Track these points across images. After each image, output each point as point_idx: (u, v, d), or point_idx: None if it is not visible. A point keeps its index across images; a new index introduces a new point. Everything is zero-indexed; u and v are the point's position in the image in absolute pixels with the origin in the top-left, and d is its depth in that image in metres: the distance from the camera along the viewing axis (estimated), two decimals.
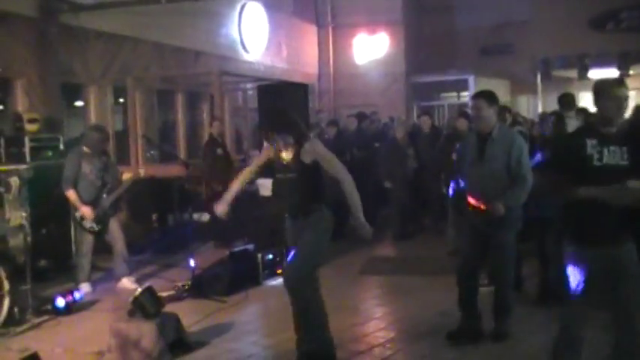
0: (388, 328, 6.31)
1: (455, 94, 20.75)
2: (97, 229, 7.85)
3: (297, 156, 5.15)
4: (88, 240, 7.92)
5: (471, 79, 19.05)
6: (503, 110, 9.28)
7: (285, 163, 5.25)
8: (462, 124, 9.18)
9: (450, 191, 8.19)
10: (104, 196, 7.91)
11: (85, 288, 7.76)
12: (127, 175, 8.15)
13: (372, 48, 19.70)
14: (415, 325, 6.26)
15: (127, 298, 6.08)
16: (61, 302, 6.90)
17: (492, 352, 5.46)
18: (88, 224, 7.81)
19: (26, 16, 9.33)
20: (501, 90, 20.30)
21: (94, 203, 7.81)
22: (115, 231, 7.99)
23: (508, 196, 5.41)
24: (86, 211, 7.72)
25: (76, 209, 7.82)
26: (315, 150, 5.16)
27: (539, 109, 17.62)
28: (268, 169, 5.68)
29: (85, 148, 7.96)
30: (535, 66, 19.44)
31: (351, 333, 6.12)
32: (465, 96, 19.62)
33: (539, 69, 19.50)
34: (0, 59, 8.87)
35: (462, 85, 19.65)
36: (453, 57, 19.71)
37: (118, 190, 8.02)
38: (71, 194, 7.74)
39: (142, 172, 8.23)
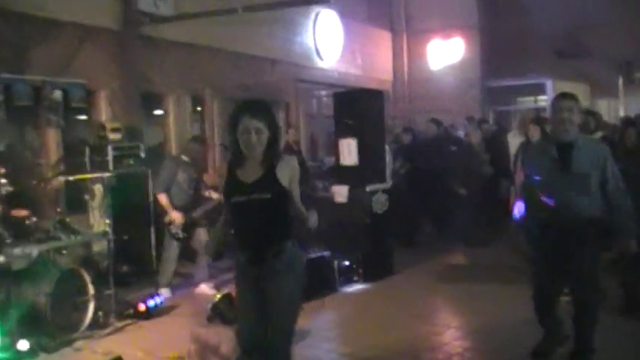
0: (466, 337, 6.23)
1: (532, 98, 20.35)
2: (180, 236, 8.00)
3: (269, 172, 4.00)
4: (174, 246, 8.09)
5: (549, 82, 18.64)
6: (587, 114, 8.90)
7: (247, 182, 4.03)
8: (535, 131, 8.53)
9: (516, 213, 5.94)
10: (192, 206, 8.08)
11: (165, 293, 7.94)
12: (214, 194, 8.22)
13: (446, 53, 19.50)
14: (494, 334, 6.15)
15: (206, 304, 6.20)
16: (142, 307, 7.08)
17: None
18: (173, 230, 7.97)
19: (109, 29, 9.61)
20: (580, 94, 19.66)
21: (183, 211, 7.98)
22: (203, 239, 8.11)
23: (622, 215, 4.91)
24: (176, 216, 7.90)
25: (165, 213, 8.01)
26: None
27: (621, 113, 17.09)
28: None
29: (184, 157, 8.26)
30: (616, 69, 18.87)
31: (428, 342, 6.06)
32: (543, 100, 19.23)
33: (620, 72, 18.92)
34: (85, 71, 9.15)
35: (539, 89, 19.25)
36: (528, 60, 19.30)
37: (207, 204, 8.17)
38: (162, 197, 7.96)
39: None
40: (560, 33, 18.78)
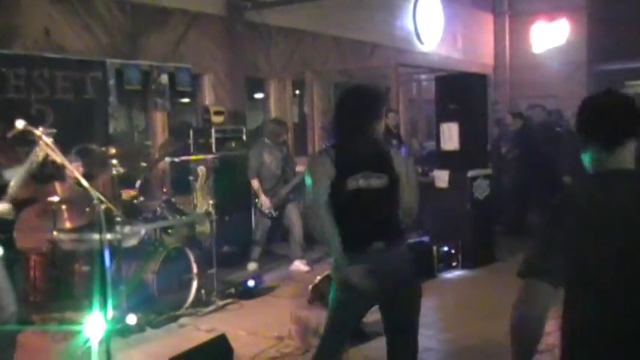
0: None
1: None
2: (274, 214, 8.40)
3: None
4: (265, 223, 8.49)
5: None
6: None
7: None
8: None
9: None
10: (283, 185, 8.38)
11: (251, 267, 8.35)
12: (300, 168, 8.50)
13: (551, 36, 18.89)
14: None
15: (306, 285, 6.27)
16: (248, 285, 7.25)
17: None
18: (266, 210, 8.36)
19: (215, 15, 9.82)
20: None
21: (273, 191, 8.33)
22: (294, 216, 8.42)
23: None
24: (265, 201, 8.29)
25: (257, 197, 8.40)
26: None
27: None
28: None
29: (266, 140, 8.51)
30: None
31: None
32: None
33: None
34: (192, 56, 9.39)
35: None
36: (639, 43, 18.51)
37: (294, 180, 8.37)
38: (255, 183, 8.36)
39: None
40: None
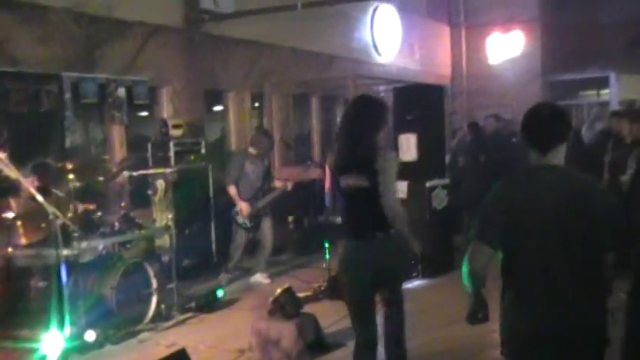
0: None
1: (595, 92, 19.90)
2: (248, 225, 8.32)
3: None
4: (241, 234, 8.40)
5: (612, 75, 18.21)
6: None
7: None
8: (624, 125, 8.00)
9: None
10: (260, 195, 8.36)
11: (224, 278, 8.30)
12: (278, 184, 8.50)
13: (506, 47, 19.20)
14: None
15: (266, 297, 6.26)
16: (203, 300, 7.21)
17: None
18: (240, 219, 8.28)
19: (173, 27, 9.77)
20: None
21: (250, 202, 8.26)
22: (267, 230, 8.44)
23: None
24: (244, 206, 8.19)
25: (234, 204, 8.31)
26: None
27: None
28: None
29: (251, 150, 8.44)
30: None
31: (490, 339, 6.01)
32: (606, 94, 18.81)
33: None
34: (150, 68, 9.33)
35: (602, 83, 18.82)
36: (594, 53, 18.90)
37: (271, 194, 8.38)
38: (232, 189, 8.27)
39: (289, 185, 8.51)
40: (632, 23, 18.24)
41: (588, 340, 3.04)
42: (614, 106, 17.08)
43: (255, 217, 8.34)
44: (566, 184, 3.02)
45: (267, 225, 8.45)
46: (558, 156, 3.07)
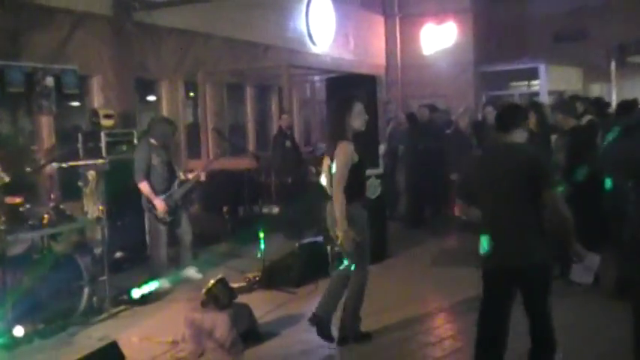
0: (458, 320, 6.29)
1: (525, 83, 20.37)
2: (168, 219, 7.89)
3: None
4: (162, 231, 7.96)
5: (542, 67, 18.67)
6: (574, 99, 8.92)
7: None
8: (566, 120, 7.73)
9: None
10: (175, 187, 7.95)
11: (163, 282, 7.75)
12: (192, 174, 8.20)
13: (439, 38, 19.50)
14: None
15: (199, 289, 6.23)
16: (136, 293, 7.11)
17: (567, 345, 5.29)
18: (160, 214, 7.84)
19: (102, 15, 9.60)
20: (573, 78, 19.84)
21: (164, 194, 7.85)
22: (185, 223, 8.10)
23: None
24: (159, 204, 7.77)
25: (148, 201, 7.87)
26: None
27: (614, 97, 17.12)
28: None
29: (152, 140, 7.96)
30: (609, 52, 18.85)
31: (421, 325, 6.13)
32: (536, 85, 19.27)
33: (613, 55, 18.90)
34: (78, 57, 9.14)
35: (532, 74, 19.27)
36: (524, 45, 19.35)
37: (185, 186, 8.04)
38: (144, 186, 7.76)
39: (202, 175, 8.24)
40: (557, 16, 18.75)
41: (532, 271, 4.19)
42: (544, 96, 17.54)
43: (175, 210, 7.95)
44: (514, 153, 4.27)
45: (184, 218, 8.10)
46: (515, 136, 4.30)
